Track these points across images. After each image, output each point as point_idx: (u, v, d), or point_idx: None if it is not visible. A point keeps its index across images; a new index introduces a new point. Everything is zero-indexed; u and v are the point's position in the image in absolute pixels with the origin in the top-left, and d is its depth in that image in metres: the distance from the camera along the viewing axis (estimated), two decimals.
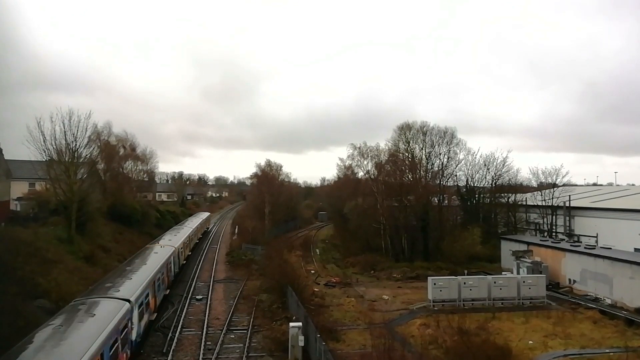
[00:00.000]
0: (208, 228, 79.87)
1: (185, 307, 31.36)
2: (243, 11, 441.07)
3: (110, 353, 15.69)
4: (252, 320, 28.12)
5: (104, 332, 15.56)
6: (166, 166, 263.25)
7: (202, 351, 22.66)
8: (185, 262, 45.97)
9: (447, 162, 56.51)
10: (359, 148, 60.22)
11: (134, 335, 20.19)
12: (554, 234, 53.96)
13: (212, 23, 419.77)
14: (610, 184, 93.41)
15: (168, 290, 32.68)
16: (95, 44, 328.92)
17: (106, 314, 17.37)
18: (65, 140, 40.19)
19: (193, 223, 61.77)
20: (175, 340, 24.36)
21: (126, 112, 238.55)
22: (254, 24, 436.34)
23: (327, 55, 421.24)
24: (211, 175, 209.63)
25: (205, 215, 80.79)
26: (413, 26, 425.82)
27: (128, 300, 19.73)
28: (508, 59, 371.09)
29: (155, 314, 26.95)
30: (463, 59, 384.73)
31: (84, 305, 18.18)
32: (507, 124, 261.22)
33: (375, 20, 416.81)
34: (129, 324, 19.26)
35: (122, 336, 17.58)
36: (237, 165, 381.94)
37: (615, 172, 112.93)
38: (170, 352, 22.55)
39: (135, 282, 23.49)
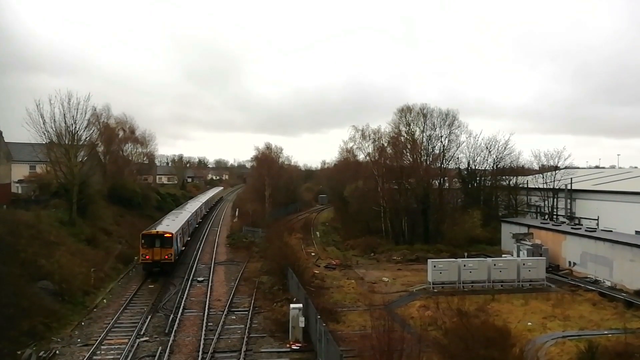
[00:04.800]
0: (222, 197, 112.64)
1: (187, 288, 31.61)
2: None
3: None
4: (253, 301, 28.36)
5: None
6: (160, 149, 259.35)
7: (203, 332, 22.88)
8: (206, 212, 74.42)
9: (448, 144, 56.20)
10: (361, 130, 59.76)
11: (178, 248, 38.99)
12: (554, 216, 54.00)
13: (191, 3, 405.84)
14: (613, 167, 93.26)
15: (189, 238, 48.17)
16: (73, 25, 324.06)
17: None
18: (65, 122, 40.13)
19: (214, 190, 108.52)
20: (177, 321, 24.60)
21: (111, 94, 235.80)
22: (235, 8, 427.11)
23: (316, 31, 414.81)
24: (211, 158, 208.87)
25: (220, 188, 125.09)
26: (397, 8, 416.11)
27: (171, 233, 36.05)
28: (496, 38, 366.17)
29: (184, 248, 43.16)
30: (452, 39, 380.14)
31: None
32: (501, 106, 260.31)
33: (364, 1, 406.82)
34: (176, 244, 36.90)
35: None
36: (236, 148, 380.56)
37: (618, 155, 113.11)
38: (173, 333, 22.80)
39: (177, 222, 42.20)
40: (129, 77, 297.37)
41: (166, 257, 34.86)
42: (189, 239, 48.23)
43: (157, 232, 36.14)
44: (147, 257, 34.57)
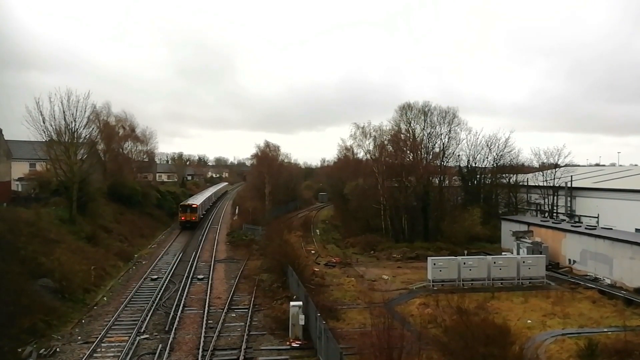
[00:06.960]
0: (227, 190, 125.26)
1: (187, 286, 31.63)
2: None
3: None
4: (253, 299, 28.37)
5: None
6: (160, 147, 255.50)
7: (203, 329, 22.90)
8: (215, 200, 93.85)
9: (448, 142, 56.15)
10: (362, 128, 59.62)
11: (200, 214, 63.00)
12: (554, 214, 54.00)
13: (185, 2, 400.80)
14: (613, 165, 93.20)
15: (205, 212, 70.94)
16: (67, 21, 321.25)
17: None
18: (65, 120, 40.04)
19: (220, 185, 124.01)
20: (177, 318, 24.62)
21: (106, 92, 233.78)
22: (227, 2, 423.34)
23: (309, 27, 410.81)
24: (211, 156, 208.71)
25: (225, 183, 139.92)
26: (391, 4, 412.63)
27: (197, 204, 60.77)
28: (488, 34, 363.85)
29: (202, 216, 65.66)
30: (444, 36, 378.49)
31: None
32: (497, 102, 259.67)
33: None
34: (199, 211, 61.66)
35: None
36: (236, 146, 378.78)
37: (618, 152, 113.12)
38: (173, 330, 22.82)
39: (199, 199, 67.06)
40: (123, 74, 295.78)
41: (193, 218, 59.32)
42: (205, 212, 71.50)
43: (188, 203, 61.14)
44: (182, 218, 59.14)
